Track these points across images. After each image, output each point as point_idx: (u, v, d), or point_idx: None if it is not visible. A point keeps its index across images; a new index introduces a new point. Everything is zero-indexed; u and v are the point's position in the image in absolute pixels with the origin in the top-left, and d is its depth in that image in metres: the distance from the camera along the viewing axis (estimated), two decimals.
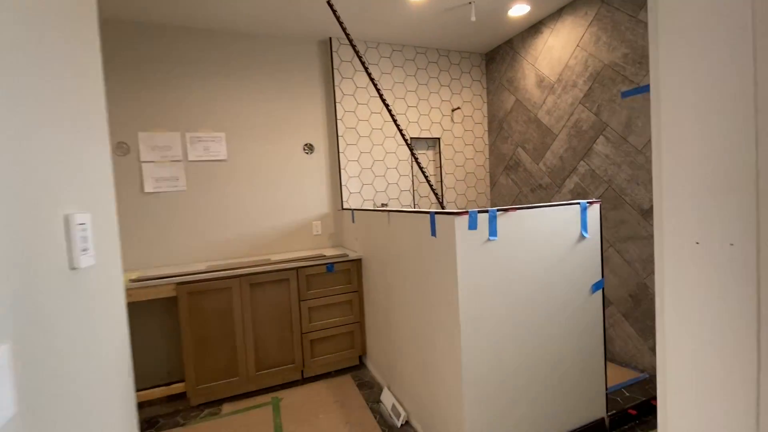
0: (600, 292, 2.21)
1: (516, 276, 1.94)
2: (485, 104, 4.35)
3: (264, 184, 3.49)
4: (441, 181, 4.16)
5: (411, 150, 2.81)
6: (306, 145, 3.65)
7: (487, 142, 4.39)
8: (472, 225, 1.81)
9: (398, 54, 3.90)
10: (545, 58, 3.51)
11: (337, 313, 3.12)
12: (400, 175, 3.96)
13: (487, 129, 4.38)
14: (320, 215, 3.73)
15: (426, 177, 2.29)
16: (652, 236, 2.69)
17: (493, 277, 1.88)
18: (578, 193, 3.28)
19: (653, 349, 2.76)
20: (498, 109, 4.18)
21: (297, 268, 2.96)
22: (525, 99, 3.79)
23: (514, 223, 1.92)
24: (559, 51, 3.37)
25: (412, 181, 4.02)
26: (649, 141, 2.69)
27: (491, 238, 1.86)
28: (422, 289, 2.16)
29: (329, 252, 3.39)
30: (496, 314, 1.89)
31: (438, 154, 4.17)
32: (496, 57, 4.13)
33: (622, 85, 2.85)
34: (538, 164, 3.70)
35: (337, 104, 3.64)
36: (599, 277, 2.20)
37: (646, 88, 2.69)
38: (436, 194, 2.30)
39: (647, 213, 2.74)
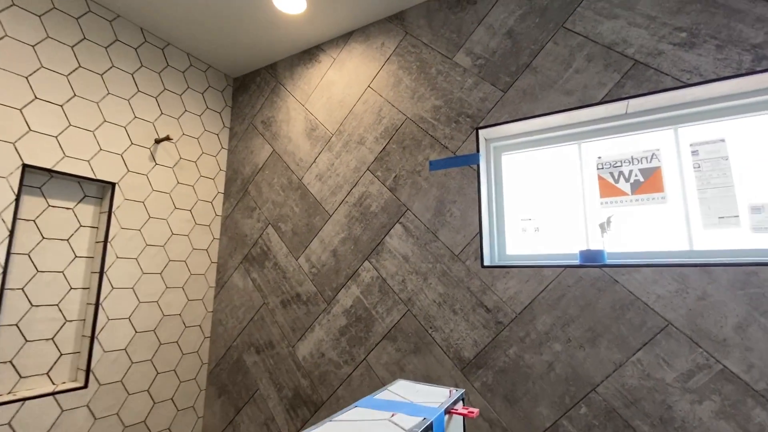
0: None
1: None
2: (224, 150, 2.67)
3: None
4: (101, 273, 1.95)
5: None
6: None
7: (220, 212, 2.60)
8: None
9: None
10: (322, 98, 2.29)
11: None
12: None
13: (222, 190, 2.63)
14: None
15: None
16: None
17: None
18: (358, 317, 1.89)
19: None
20: (244, 161, 2.57)
21: None
22: (287, 153, 2.37)
23: None
24: (342, 90, 2.21)
25: (5, 269, 1.63)
26: (473, 240, 1.65)
27: None
28: None
29: None
30: None
31: (106, 216, 2.02)
32: (251, 86, 2.67)
33: (431, 152, 1.83)
34: (297, 259, 2.18)
35: None
36: None
37: (467, 159, 1.73)
38: None
39: (472, 367, 1.56)
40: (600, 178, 1.59)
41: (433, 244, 1.75)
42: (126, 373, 2.01)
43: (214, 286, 2.52)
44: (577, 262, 1.51)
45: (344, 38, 2.25)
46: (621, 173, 1.55)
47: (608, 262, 1.44)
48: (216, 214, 2.57)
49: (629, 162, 1.54)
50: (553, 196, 1.69)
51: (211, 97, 2.61)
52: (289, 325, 2.12)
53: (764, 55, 1.23)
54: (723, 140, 1.41)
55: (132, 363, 2.04)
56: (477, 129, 1.72)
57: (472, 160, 1.71)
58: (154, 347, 2.15)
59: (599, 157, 1.60)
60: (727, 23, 1.30)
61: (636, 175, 1.52)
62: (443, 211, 1.75)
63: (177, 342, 2.27)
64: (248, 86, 2.67)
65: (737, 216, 1.35)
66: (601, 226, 1.55)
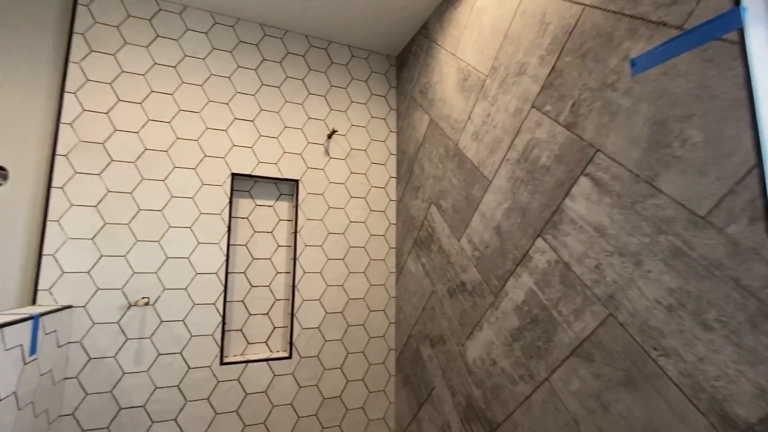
0: None
1: None
2: (393, 134, 2.59)
3: None
4: (294, 259, 2.22)
5: None
6: None
7: (393, 197, 2.54)
8: None
9: (225, 31, 2.21)
10: (471, 36, 1.80)
11: None
12: (199, 243, 2.03)
13: (395, 174, 2.56)
14: None
15: None
16: None
17: None
18: (534, 318, 1.33)
19: None
20: (408, 140, 2.40)
21: None
22: (442, 117, 2.02)
23: None
24: (493, 13, 1.66)
25: (227, 257, 2.07)
26: (739, 185, 0.82)
27: None
28: None
29: None
30: None
31: (294, 210, 2.29)
32: (409, 57, 2.46)
33: (633, 44, 1.06)
34: (459, 240, 1.80)
35: (65, 95, 1.85)
36: None
37: (714, 28, 0.88)
38: None
39: (736, 422, 0.76)
40: None
41: (650, 201, 0.99)
42: (321, 350, 2.21)
43: (395, 271, 2.46)
44: None
45: None
46: None
47: None
48: (390, 199, 2.52)
49: None
50: None
51: (374, 83, 2.57)
52: (457, 319, 1.77)
53: None
54: None
55: (325, 341, 2.23)
56: None
57: (726, 24, 0.85)
58: (343, 328, 2.28)
59: None
60: None
61: None
62: (666, 139, 0.96)
63: (363, 325, 2.33)
64: (407, 59, 2.48)
65: None
66: None
